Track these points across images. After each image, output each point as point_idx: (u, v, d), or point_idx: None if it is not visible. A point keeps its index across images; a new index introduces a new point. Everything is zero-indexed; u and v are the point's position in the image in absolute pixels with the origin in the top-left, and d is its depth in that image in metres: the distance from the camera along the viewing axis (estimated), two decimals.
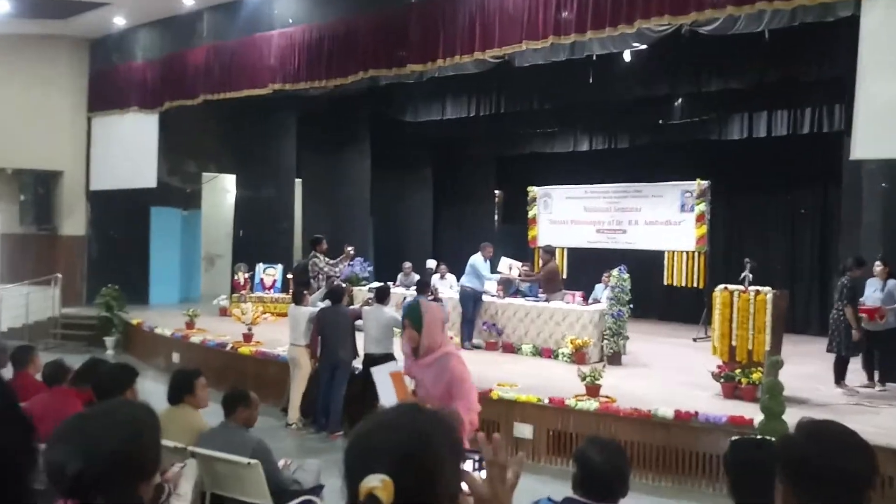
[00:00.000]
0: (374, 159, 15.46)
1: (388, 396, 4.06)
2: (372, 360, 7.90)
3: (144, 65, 14.12)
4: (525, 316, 10.63)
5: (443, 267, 13.10)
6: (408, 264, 13.42)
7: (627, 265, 10.34)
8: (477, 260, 10.90)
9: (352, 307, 9.14)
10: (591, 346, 9.83)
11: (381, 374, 4.19)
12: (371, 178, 15.45)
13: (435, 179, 17.54)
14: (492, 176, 18.21)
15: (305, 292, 8.80)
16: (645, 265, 13.66)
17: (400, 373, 4.18)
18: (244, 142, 15.09)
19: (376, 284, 10.90)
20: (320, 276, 10.16)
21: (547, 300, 10.78)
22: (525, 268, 11.94)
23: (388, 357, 7.86)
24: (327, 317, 8.20)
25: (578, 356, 9.69)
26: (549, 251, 11.51)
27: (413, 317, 4.00)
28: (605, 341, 9.93)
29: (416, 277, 12.69)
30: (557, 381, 8.46)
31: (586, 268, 13.59)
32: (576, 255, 14.34)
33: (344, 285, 9.81)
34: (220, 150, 16.34)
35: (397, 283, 13.16)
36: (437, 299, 8.10)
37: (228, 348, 10.34)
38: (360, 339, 8.26)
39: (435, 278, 12.56)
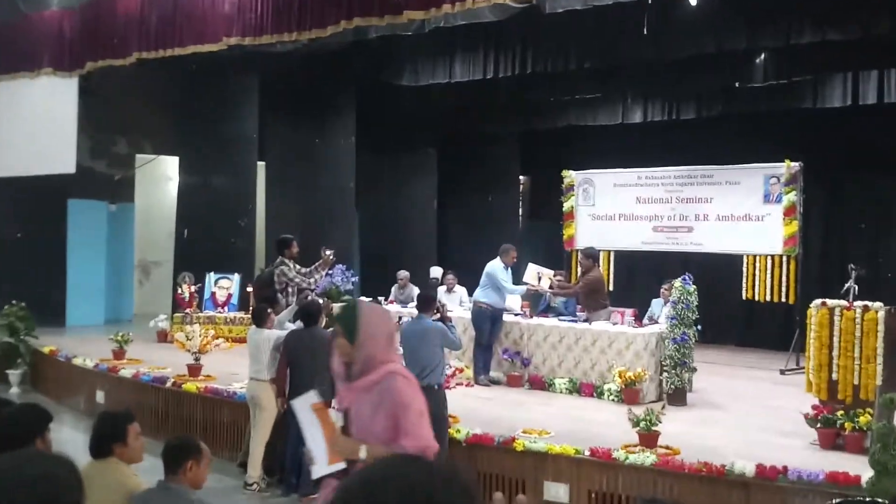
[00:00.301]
0: (361, 137, 15.53)
1: (314, 439, 3.92)
2: None
3: (60, 14, 14.21)
4: (559, 341, 10.65)
5: (450, 277, 13.14)
6: (404, 274, 13.47)
7: (694, 274, 10.36)
8: (496, 268, 10.92)
9: (331, 329, 9.15)
10: (645, 381, 9.84)
11: (302, 407, 4.02)
12: (356, 162, 15.50)
13: (440, 162, 17.62)
14: (515, 157, 18.26)
15: (270, 310, 8.82)
16: (717, 274, 13.69)
17: (322, 405, 4.00)
18: (190, 114, 15.17)
19: (364, 300, 10.92)
20: (290, 290, 10.17)
21: (588, 320, 10.80)
22: (559, 278, 11.95)
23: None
24: (299, 342, 8.22)
25: (629, 394, 9.69)
26: (591, 255, 11.53)
27: (346, 321, 3.81)
28: (665, 374, 9.93)
29: (416, 291, 12.70)
30: (601, 427, 8.45)
31: (639, 277, 13.65)
32: (626, 260, 14.37)
33: (321, 301, 9.81)
34: (159, 125, 16.44)
35: (390, 298, 13.20)
36: (444, 319, 8.12)
37: (169, 384, 10.37)
38: None
39: (440, 292, 12.59)
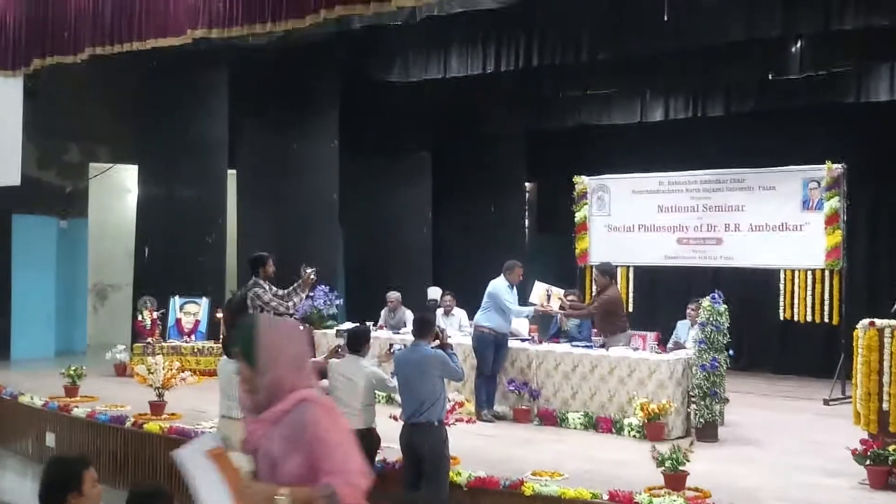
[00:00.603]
0: (345, 140, 15.57)
1: (211, 494, 3.59)
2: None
3: (3, 5, 14.23)
4: (572, 370, 10.66)
5: (448, 298, 13.15)
6: (395, 295, 13.48)
7: (724, 291, 10.38)
8: (499, 287, 10.94)
9: (313, 360, 9.14)
10: (671, 414, 9.85)
11: (191, 457, 3.70)
12: (340, 168, 15.54)
13: (436, 168, 17.69)
14: (520, 161, 18.31)
15: None
16: (751, 291, 13.72)
17: (222, 450, 3.75)
18: (151, 118, 15.19)
19: (348, 326, 10.90)
20: (265, 314, 10.17)
21: (605, 346, 10.82)
22: (571, 297, 11.97)
23: (370, 434, 7.89)
24: None
25: (653, 429, 9.70)
26: (608, 272, 11.55)
27: (244, 341, 3.60)
28: (694, 406, 9.95)
29: (409, 314, 12.69)
30: (621, 468, 8.45)
31: (663, 296, 13.66)
32: (647, 277, 14.40)
33: (301, 327, 9.81)
34: (115, 129, 16.46)
35: (380, 322, 13.22)
36: (444, 346, 8.11)
37: (129, 424, 10.35)
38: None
39: (438, 315, 12.60)
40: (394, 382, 8.07)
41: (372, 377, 7.99)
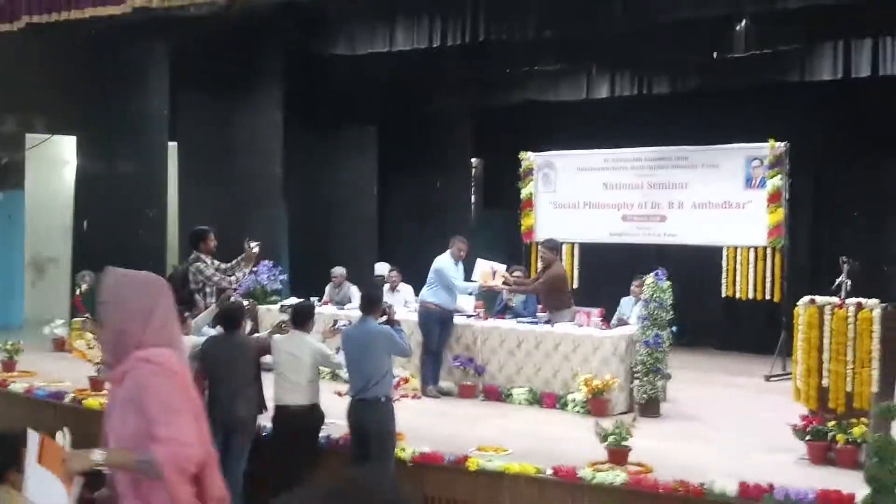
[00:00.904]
0: (290, 114, 15.46)
1: (41, 485, 3.44)
2: (289, 415, 7.94)
3: None
4: (517, 346, 10.72)
5: (394, 274, 13.14)
6: (339, 271, 13.47)
7: (668, 268, 10.48)
8: (444, 263, 10.97)
9: (256, 335, 9.10)
10: (615, 390, 9.95)
11: (31, 465, 3.53)
12: (284, 143, 15.42)
13: (382, 144, 17.64)
14: (467, 138, 18.32)
15: (187, 314, 8.75)
16: (694, 269, 13.85)
17: (42, 436, 3.56)
18: (90, 89, 14.95)
19: (293, 301, 10.86)
20: (207, 290, 10.10)
21: (549, 322, 10.89)
22: (517, 274, 12.03)
23: (314, 409, 7.91)
24: (218, 351, 8.17)
25: (596, 405, 9.79)
26: (553, 248, 11.62)
27: (91, 295, 3.52)
28: (637, 382, 10.05)
29: (354, 290, 12.68)
30: (565, 443, 8.53)
31: (607, 273, 13.72)
32: (592, 253, 14.49)
33: (244, 303, 9.74)
34: (53, 100, 16.16)
35: (325, 298, 13.20)
36: (391, 322, 8.15)
37: (69, 400, 10.24)
38: (269, 383, 8.27)
39: (384, 290, 12.60)
40: (338, 358, 8.11)
41: (317, 353, 8.01)
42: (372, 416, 7.57)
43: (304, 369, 7.97)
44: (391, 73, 15.68)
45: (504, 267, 11.74)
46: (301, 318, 8.26)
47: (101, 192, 14.84)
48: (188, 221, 13.75)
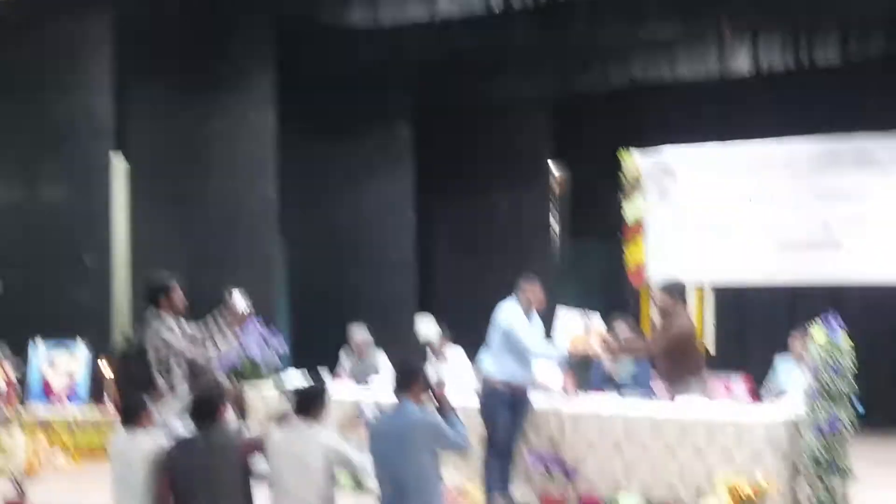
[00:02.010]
0: (287, 112, 15.63)
1: None
2: None
3: None
4: (624, 436, 10.64)
5: (441, 334, 13.10)
6: (361, 333, 13.50)
7: (845, 316, 10.33)
8: (513, 317, 10.87)
9: (243, 431, 9.07)
10: (772, 498, 9.77)
11: None
12: (281, 154, 15.52)
13: (420, 149, 17.72)
14: (544, 136, 18.32)
15: (148, 400, 8.79)
16: (882, 318, 13.65)
17: None
18: (1, 84, 15.12)
19: (296, 378, 10.86)
20: (174, 365, 10.15)
21: (672, 398, 10.82)
22: (622, 329, 11.96)
23: None
24: (191, 457, 8.16)
25: None
26: (675, 292, 11.52)
27: None
28: (806, 486, 9.89)
29: (381, 358, 12.69)
30: None
31: (754, 324, 13.59)
32: (732, 300, 14.36)
33: (226, 384, 9.75)
34: None
35: (340, 371, 13.27)
36: (442, 406, 8.06)
37: None
38: (263, 499, 8.22)
39: (429, 359, 12.56)
40: (363, 459, 8.05)
41: (332, 453, 7.91)
42: None
43: (315, 477, 7.88)
44: (433, 52, 15.73)
45: (600, 321, 11.67)
46: (309, 404, 8.16)
47: (16, 231, 15.03)
48: (143, 268, 13.88)
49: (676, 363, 11.06)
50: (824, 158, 13.84)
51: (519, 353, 10.83)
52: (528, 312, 10.93)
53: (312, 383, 8.70)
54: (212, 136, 15.16)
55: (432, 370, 11.54)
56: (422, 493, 7.56)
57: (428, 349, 12.97)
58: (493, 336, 10.94)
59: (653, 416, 10.58)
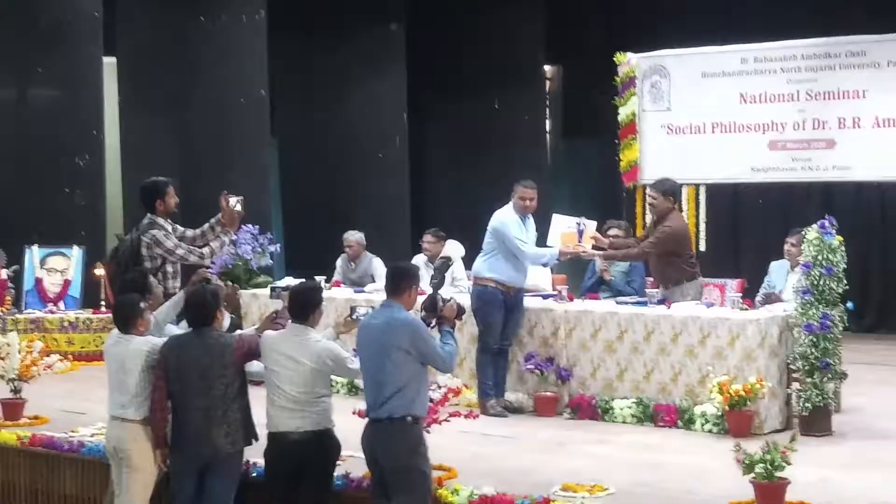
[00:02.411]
0: (277, 11, 15.58)
1: None
2: (289, 447, 7.94)
3: None
4: (618, 338, 10.70)
5: (431, 238, 13.14)
6: (355, 236, 13.54)
7: (839, 217, 10.33)
8: (506, 221, 10.92)
9: (239, 332, 9.11)
10: (763, 398, 9.86)
11: None
12: (271, 53, 15.43)
13: (413, 49, 17.68)
14: (537, 36, 18.20)
15: (143, 304, 8.81)
16: (876, 218, 13.68)
17: None
18: None
19: (290, 282, 10.88)
20: (169, 268, 10.17)
21: (664, 301, 10.84)
22: (615, 232, 12.00)
23: (324, 437, 7.93)
24: (185, 358, 8.17)
25: (737, 420, 9.73)
26: (670, 193, 11.47)
27: None
28: (796, 385, 9.97)
29: (375, 263, 12.74)
30: (693, 477, 8.50)
31: (749, 227, 13.60)
32: (726, 199, 14.38)
33: (221, 286, 9.77)
34: None
35: (335, 276, 13.31)
36: (441, 321, 8.02)
37: None
38: (258, 400, 8.28)
39: (419, 262, 12.60)
40: (357, 363, 8.07)
41: (326, 356, 7.94)
42: (386, 444, 7.55)
43: (308, 379, 7.96)
44: None
45: (594, 224, 11.61)
46: (303, 307, 8.16)
47: (8, 133, 15.00)
48: (137, 170, 13.84)
49: (670, 266, 11.09)
50: (819, 59, 13.75)
51: (513, 255, 10.90)
52: (522, 216, 10.98)
53: (306, 286, 8.74)
54: (202, 38, 15.07)
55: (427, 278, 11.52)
56: (403, 393, 7.54)
57: (420, 257, 12.93)
58: (488, 240, 11.00)
59: (646, 317, 10.61)
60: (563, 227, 11.41)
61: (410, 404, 7.53)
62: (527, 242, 10.95)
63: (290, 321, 8.26)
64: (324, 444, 7.93)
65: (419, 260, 12.80)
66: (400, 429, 7.46)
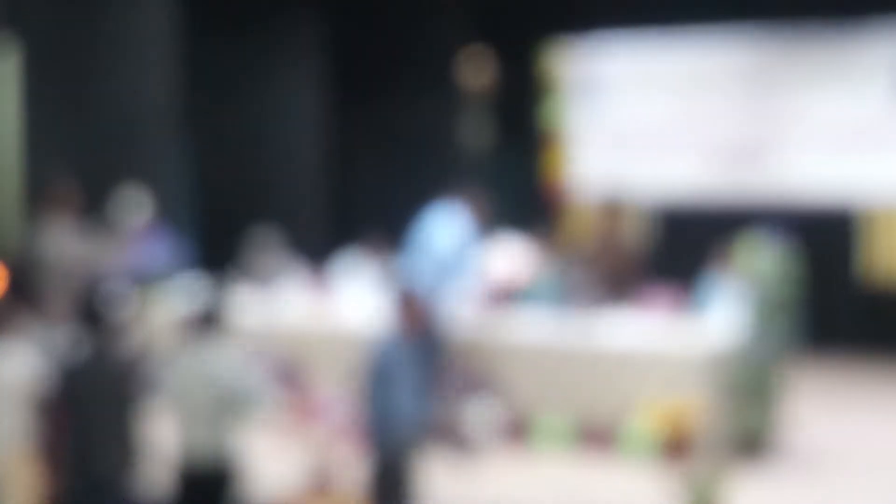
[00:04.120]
0: (193, 2, 15.58)
1: None
2: (192, 472, 7.77)
3: None
4: (549, 358, 10.67)
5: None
6: (266, 242, 13.48)
7: (778, 230, 10.40)
8: (450, 227, 10.90)
9: (138, 347, 8.91)
10: (697, 420, 9.79)
11: None
12: (182, 47, 15.30)
13: (333, 43, 17.74)
14: (454, 20, 18.21)
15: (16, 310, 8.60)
16: (816, 232, 13.68)
17: None
18: None
19: (192, 290, 10.66)
20: (65, 272, 9.97)
21: (599, 312, 10.82)
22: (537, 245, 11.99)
23: (221, 466, 7.75)
24: (78, 376, 7.98)
25: (670, 444, 9.68)
26: (611, 209, 11.56)
27: None
28: (732, 407, 9.92)
29: (289, 263, 12.63)
30: None
31: (683, 238, 13.63)
32: (664, 217, 14.47)
33: (122, 292, 9.55)
34: None
35: (246, 274, 13.22)
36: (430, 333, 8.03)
37: None
38: (161, 419, 8.11)
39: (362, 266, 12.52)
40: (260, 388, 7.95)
41: (234, 372, 7.87)
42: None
43: (217, 397, 7.84)
44: None
45: (523, 243, 11.71)
46: (208, 318, 8.09)
47: None
48: (33, 168, 13.73)
49: (608, 276, 11.31)
50: (766, 50, 13.88)
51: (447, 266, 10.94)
52: (470, 226, 11.01)
53: (209, 300, 8.53)
54: (107, 27, 14.97)
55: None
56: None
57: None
58: (427, 245, 11.01)
59: (577, 337, 10.64)
60: (500, 248, 11.63)
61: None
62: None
63: (197, 332, 8.13)
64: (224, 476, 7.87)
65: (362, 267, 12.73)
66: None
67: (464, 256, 10.96)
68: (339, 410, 9.36)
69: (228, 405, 7.86)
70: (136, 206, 10.35)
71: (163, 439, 8.00)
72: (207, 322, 8.06)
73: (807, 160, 13.46)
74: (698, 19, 14.42)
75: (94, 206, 10.82)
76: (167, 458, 7.90)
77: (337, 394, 9.60)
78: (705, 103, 14.05)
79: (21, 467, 8.23)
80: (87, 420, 7.88)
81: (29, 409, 8.14)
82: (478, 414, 10.73)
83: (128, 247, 10.77)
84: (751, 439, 9.87)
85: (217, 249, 15.72)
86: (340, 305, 11.88)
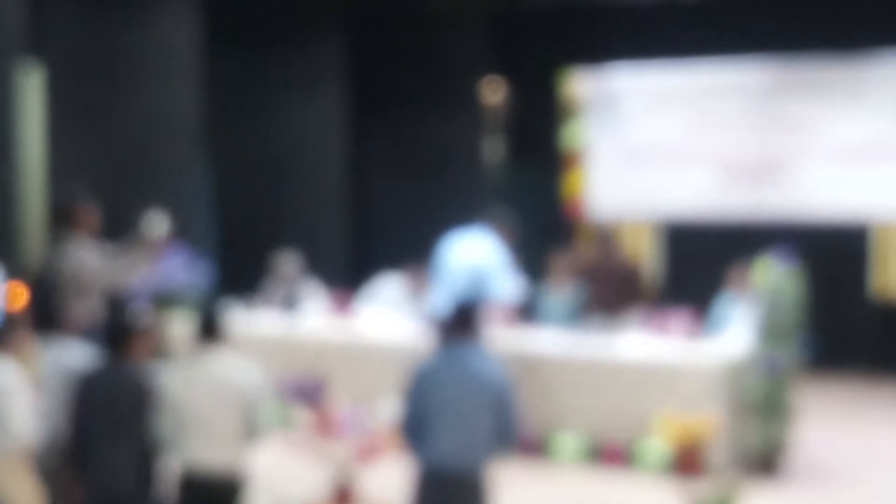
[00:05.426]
0: (214, 23, 15.56)
1: None
2: (203, 485, 7.79)
3: None
4: (564, 376, 10.70)
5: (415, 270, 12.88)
6: (290, 264, 13.49)
7: (793, 250, 10.35)
8: (487, 251, 10.84)
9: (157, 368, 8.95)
10: (711, 437, 9.84)
11: None
12: (205, 66, 15.36)
13: (354, 64, 17.67)
14: (481, 54, 18.21)
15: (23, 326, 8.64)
16: (829, 252, 13.74)
17: None
18: None
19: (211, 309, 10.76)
20: (87, 290, 10.03)
21: (611, 332, 10.85)
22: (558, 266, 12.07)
23: (232, 478, 7.72)
24: (96, 390, 8.04)
25: (684, 460, 9.69)
26: (605, 239, 11.64)
27: None
28: (745, 424, 9.97)
29: (311, 286, 12.66)
30: None
31: (700, 261, 13.64)
32: (679, 232, 14.44)
33: (143, 312, 9.63)
34: None
35: (266, 298, 13.29)
36: None
37: None
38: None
39: (398, 293, 12.49)
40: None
41: (245, 383, 7.79)
42: None
43: (227, 408, 7.74)
44: None
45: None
46: (208, 328, 8.00)
47: None
48: (58, 186, 13.75)
49: (616, 296, 11.17)
50: (778, 81, 13.81)
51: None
52: (498, 248, 10.89)
53: (210, 310, 8.58)
54: (133, 48, 14.93)
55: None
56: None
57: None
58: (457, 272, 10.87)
59: (593, 354, 10.64)
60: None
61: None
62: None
63: (202, 343, 8.13)
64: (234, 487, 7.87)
65: (395, 293, 12.68)
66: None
67: (492, 279, 10.84)
68: (360, 426, 9.29)
69: (232, 408, 7.75)
70: (156, 225, 10.31)
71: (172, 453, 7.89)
72: (209, 331, 7.99)
73: (820, 177, 13.33)
74: (713, 52, 14.47)
75: (114, 225, 10.80)
76: (177, 470, 7.80)
77: (358, 410, 9.52)
78: (719, 122, 14.02)
79: (19, 473, 8.18)
80: (103, 434, 7.84)
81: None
82: None
83: (148, 265, 10.70)
84: (765, 456, 9.79)
85: (237, 268, 15.78)
86: (364, 323, 11.91)
